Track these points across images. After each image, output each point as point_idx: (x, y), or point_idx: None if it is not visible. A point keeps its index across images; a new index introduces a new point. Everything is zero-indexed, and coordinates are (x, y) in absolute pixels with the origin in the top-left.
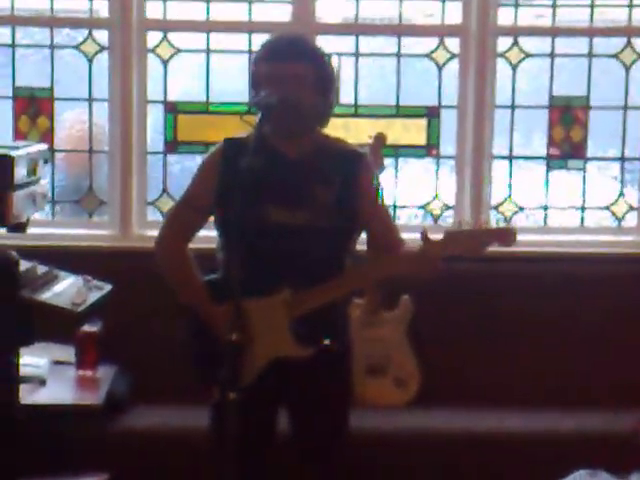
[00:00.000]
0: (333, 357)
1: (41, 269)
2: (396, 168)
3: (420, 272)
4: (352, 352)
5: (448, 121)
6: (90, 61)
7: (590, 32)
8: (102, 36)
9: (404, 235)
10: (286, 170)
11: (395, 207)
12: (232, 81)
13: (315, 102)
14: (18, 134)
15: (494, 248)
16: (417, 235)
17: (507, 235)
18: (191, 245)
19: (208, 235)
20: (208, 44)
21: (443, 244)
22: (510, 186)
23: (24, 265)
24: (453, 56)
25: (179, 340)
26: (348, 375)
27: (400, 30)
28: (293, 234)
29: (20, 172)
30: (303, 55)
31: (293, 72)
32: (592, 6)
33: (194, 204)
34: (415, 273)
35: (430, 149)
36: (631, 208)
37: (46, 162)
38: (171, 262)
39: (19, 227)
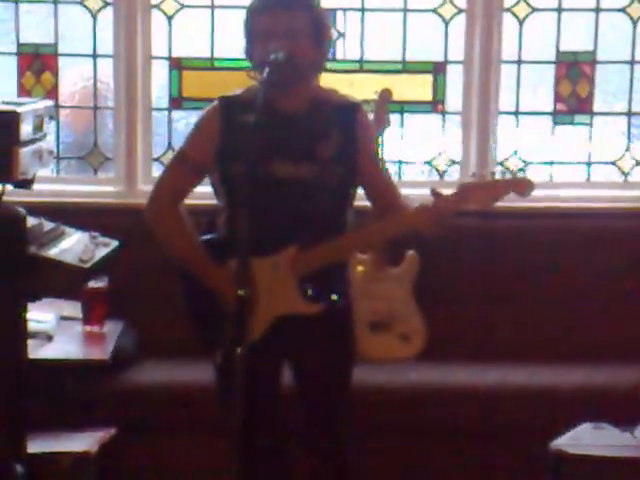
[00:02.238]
0: (338, 312)
1: (48, 225)
2: (402, 124)
3: (434, 228)
4: (352, 306)
5: (454, 76)
6: (94, 17)
7: None
8: None
9: (410, 191)
10: (287, 125)
11: (401, 163)
12: (237, 37)
13: (311, 54)
14: (22, 90)
15: (500, 203)
16: (422, 191)
17: (524, 185)
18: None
19: (200, 191)
20: (212, 0)
21: (458, 197)
22: (516, 141)
23: (31, 221)
24: (460, 11)
25: (176, 301)
26: (350, 328)
27: None
28: (297, 189)
29: (26, 128)
30: (297, 5)
31: (288, 23)
32: None
33: (191, 163)
34: (429, 229)
35: (436, 105)
36: (637, 163)
37: (51, 118)
38: (165, 221)
39: (25, 183)
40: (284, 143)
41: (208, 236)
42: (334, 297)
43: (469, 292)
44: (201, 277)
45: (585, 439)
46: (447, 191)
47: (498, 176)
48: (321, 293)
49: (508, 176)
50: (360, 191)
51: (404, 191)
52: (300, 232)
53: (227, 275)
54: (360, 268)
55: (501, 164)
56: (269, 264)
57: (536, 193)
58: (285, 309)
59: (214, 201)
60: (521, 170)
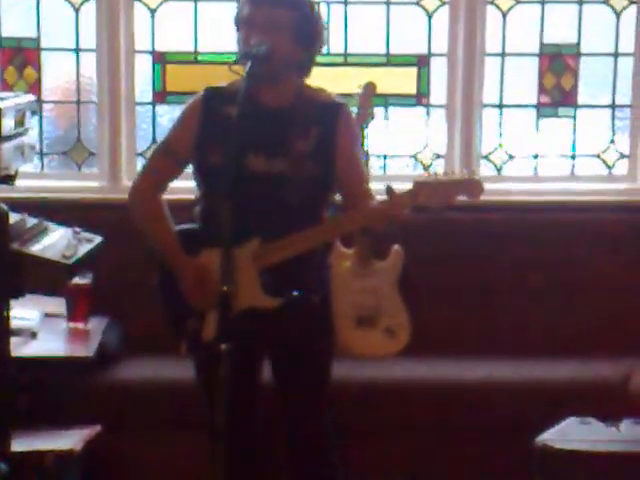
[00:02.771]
0: (308, 308)
1: (30, 221)
2: (386, 117)
3: (387, 225)
4: (330, 303)
5: (438, 69)
6: (77, 10)
7: None
8: None
9: (394, 185)
10: (266, 119)
11: (385, 157)
12: (221, 31)
13: (292, 50)
14: (5, 85)
15: (485, 197)
16: (407, 185)
17: (473, 187)
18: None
19: (181, 186)
20: None
21: (411, 194)
22: (501, 134)
23: (13, 217)
24: (443, 3)
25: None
26: (327, 326)
27: None
28: (269, 183)
29: (8, 123)
30: (286, 1)
31: (271, 17)
32: None
33: (173, 152)
34: (381, 226)
35: (420, 98)
36: (622, 156)
37: (34, 113)
38: (145, 211)
39: (8, 179)
40: (261, 137)
41: (183, 226)
42: (295, 293)
43: (453, 287)
44: (170, 265)
45: (571, 434)
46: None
47: (449, 175)
48: (282, 288)
49: (460, 175)
50: None
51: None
52: (267, 225)
53: (195, 266)
54: (346, 263)
55: (486, 157)
56: (235, 256)
57: (520, 186)
58: (247, 302)
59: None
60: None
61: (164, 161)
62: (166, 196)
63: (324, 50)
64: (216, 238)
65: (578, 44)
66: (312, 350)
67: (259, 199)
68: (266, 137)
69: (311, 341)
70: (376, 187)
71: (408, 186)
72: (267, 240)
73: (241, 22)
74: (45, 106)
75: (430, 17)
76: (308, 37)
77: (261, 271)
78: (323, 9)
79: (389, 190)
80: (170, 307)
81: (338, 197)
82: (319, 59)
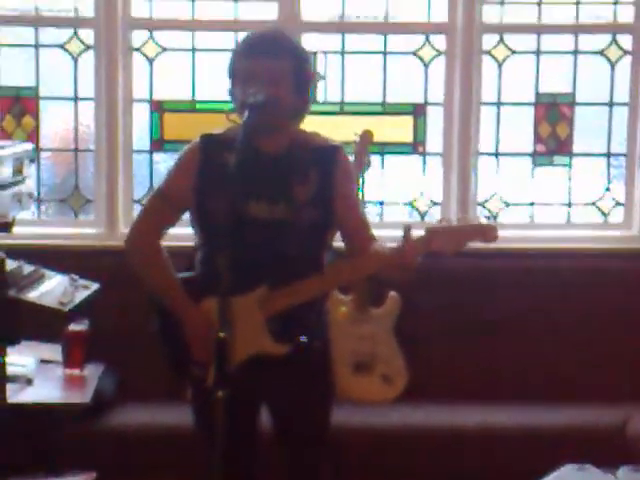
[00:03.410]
0: (311, 354)
1: (27, 268)
2: (383, 165)
3: (397, 272)
4: (330, 349)
5: (434, 118)
6: (75, 60)
7: (575, 29)
8: (87, 35)
9: (390, 232)
10: (265, 166)
11: (382, 204)
12: (218, 79)
13: (293, 99)
14: (3, 133)
15: (481, 245)
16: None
17: (488, 232)
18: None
19: (180, 233)
20: (194, 43)
21: (424, 241)
22: (496, 182)
23: (10, 264)
24: (439, 53)
25: (152, 336)
26: (328, 372)
27: (386, 28)
28: (271, 230)
29: (6, 172)
30: (282, 52)
31: (271, 68)
32: (577, 3)
33: (170, 200)
34: (393, 273)
35: (416, 146)
36: (617, 204)
37: (32, 161)
38: (144, 259)
39: (5, 227)
40: (261, 183)
41: (185, 274)
42: (302, 339)
43: (449, 333)
44: (175, 313)
45: None
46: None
47: (463, 221)
48: (290, 334)
49: (474, 221)
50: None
51: (385, 232)
52: (272, 272)
53: (200, 314)
54: (342, 309)
55: (482, 205)
56: (239, 304)
57: (516, 233)
58: (254, 348)
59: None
60: (494, 217)
61: (161, 208)
62: (164, 243)
63: (319, 97)
64: (218, 286)
65: (573, 94)
66: (314, 396)
67: (262, 246)
68: (267, 184)
69: (313, 387)
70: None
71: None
72: (273, 287)
73: (237, 75)
74: (43, 154)
75: (426, 66)
76: (306, 85)
77: (268, 318)
78: (320, 58)
79: (407, 232)
80: (173, 352)
81: (340, 241)
82: (317, 108)
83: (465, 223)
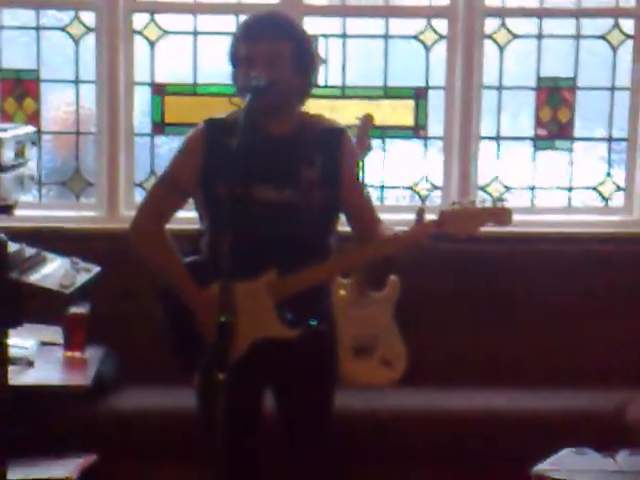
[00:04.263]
0: (319, 337)
1: (29, 251)
2: (384, 149)
3: (409, 255)
4: (335, 329)
5: (436, 102)
6: (77, 43)
7: (577, 13)
8: (89, 18)
9: (391, 216)
10: (271, 149)
11: (382, 188)
12: (219, 63)
13: (294, 80)
14: (4, 116)
15: (482, 229)
16: (404, 216)
17: (503, 215)
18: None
19: (186, 216)
20: (195, 26)
21: (437, 224)
22: (497, 167)
23: (12, 247)
24: (441, 37)
25: (158, 325)
26: (334, 353)
27: (387, 11)
28: (279, 213)
29: (7, 154)
30: (282, 33)
31: (271, 50)
32: None
33: (175, 185)
34: (404, 256)
35: (418, 130)
36: (618, 188)
37: (33, 144)
38: (150, 244)
39: (7, 209)
40: (268, 167)
41: (191, 258)
42: (312, 322)
43: (450, 317)
44: (183, 299)
45: (567, 464)
46: (430, 216)
47: (478, 204)
48: (300, 317)
49: (488, 204)
50: (342, 216)
51: (386, 216)
52: (281, 256)
53: (208, 298)
54: (342, 292)
55: (482, 189)
56: (249, 288)
57: (517, 218)
58: (263, 333)
59: (198, 226)
60: (500, 199)
61: (167, 194)
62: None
63: (320, 81)
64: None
65: (575, 78)
66: (321, 377)
67: (270, 229)
68: (273, 166)
69: (320, 370)
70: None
71: (406, 217)
72: (282, 271)
73: (238, 59)
74: (44, 136)
75: (428, 50)
76: (307, 65)
77: (278, 302)
78: (321, 42)
79: (420, 215)
80: (179, 339)
81: (344, 226)
82: (318, 91)
83: (478, 206)
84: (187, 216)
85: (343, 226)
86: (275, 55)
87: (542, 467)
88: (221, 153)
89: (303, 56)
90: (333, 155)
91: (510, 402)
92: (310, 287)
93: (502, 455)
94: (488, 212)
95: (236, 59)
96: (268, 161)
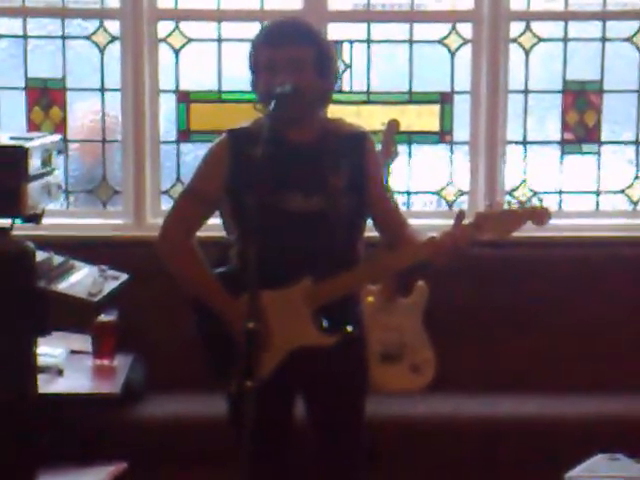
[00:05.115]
0: (352, 343)
1: (57, 259)
2: (409, 154)
3: (448, 259)
4: (366, 335)
5: (461, 107)
6: (102, 51)
7: (603, 15)
8: (114, 26)
9: (418, 222)
10: (296, 156)
11: (409, 193)
12: (244, 70)
13: (317, 85)
14: (31, 125)
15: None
16: (431, 221)
17: (540, 215)
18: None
19: (210, 223)
20: (219, 33)
21: (474, 228)
22: (524, 171)
23: (40, 256)
24: (465, 42)
25: (191, 336)
26: (365, 359)
27: (412, 16)
28: (308, 221)
29: (34, 163)
30: (302, 38)
31: (293, 56)
32: None
33: (201, 197)
34: (442, 260)
35: (444, 135)
36: None
37: (60, 153)
38: (179, 256)
39: (34, 218)
40: (295, 175)
41: (221, 269)
42: (349, 328)
43: (478, 322)
44: (216, 309)
45: (599, 470)
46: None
47: (512, 205)
48: (336, 324)
49: (517, 206)
50: (369, 222)
51: (412, 221)
52: (313, 264)
53: (241, 308)
54: (370, 299)
55: (510, 194)
56: (283, 297)
57: None
58: (300, 342)
59: (224, 233)
60: (528, 201)
61: (192, 206)
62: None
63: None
64: (260, 279)
65: (601, 81)
66: (353, 383)
67: (300, 237)
68: (299, 174)
69: (352, 376)
70: None
71: (432, 222)
72: (315, 279)
73: (260, 66)
74: (70, 144)
75: (453, 55)
76: (329, 69)
77: (314, 310)
78: (346, 48)
79: (459, 218)
80: (213, 349)
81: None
82: (343, 97)
83: (516, 207)
84: (215, 223)
85: (370, 232)
86: (298, 61)
87: (574, 473)
88: (246, 163)
89: (325, 61)
90: (358, 160)
91: (541, 408)
92: (346, 294)
93: (533, 461)
94: (525, 212)
95: (257, 65)
96: (293, 169)
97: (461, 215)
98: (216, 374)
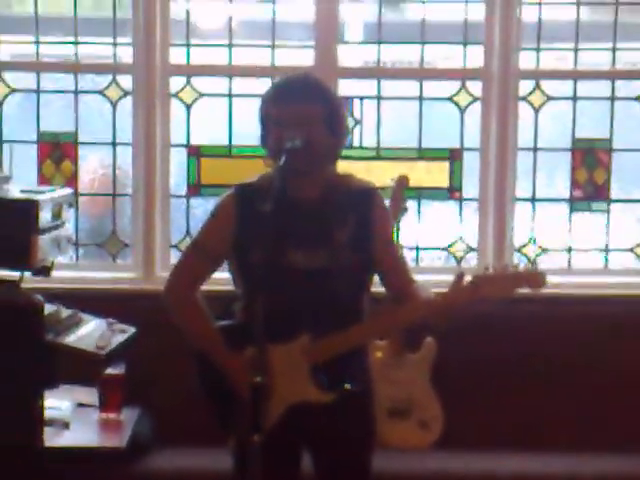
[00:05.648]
0: (355, 398)
1: (65, 312)
2: (419, 210)
3: (444, 319)
4: (373, 390)
5: (471, 163)
6: (114, 106)
7: (612, 75)
8: (126, 81)
9: (427, 277)
10: (303, 212)
11: (418, 249)
12: (254, 125)
13: (327, 141)
14: (42, 178)
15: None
16: (440, 277)
17: (537, 279)
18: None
19: (215, 277)
20: (230, 88)
21: (472, 289)
22: (533, 228)
23: (48, 308)
24: (475, 99)
25: (194, 387)
26: (371, 414)
27: (422, 73)
28: (311, 277)
29: (45, 216)
30: (311, 96)
31: (303, 114)
32: (614, 49)
33: (207, 252)
34: (439, 320)
35: (453, 191)
36: None
37: (70, 206)
38: (183, 310)
39: (44, 271)
40: (298, 231)
41: (226, 322)
42: (347, 386)
43: (487, 379)
44: (217, 364)
45: None
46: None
47: (511, 268)
48: (335, 381)
49: (522, 268)
50: (375, 277)
51: (421, 277)
52: (314, 319)
53: (243, 363)
54: (378, 354)
55: (518, 250)
56: (283, 352)
57: (554, 279)
58: (298, 397)
59: (230, 287)
60: (534, 263)
61: (197, 260)
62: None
63: (355, 142)
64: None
65: (610, 139)
66: (358, 439)
67: (303, 294)
68: (305, 230)
69: (356, 432)
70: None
71: (441, 278)
72: (316, 334)
73: (270, 121)
74: (81, 198)
75: (462, 112)
76: (338, 126)
77: (312, 367)
78: (356, 104)
79: (458, 279)
80: (216, 401)
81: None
82: (353, 153)
83: (511, 271)
84: (220, 277)
85: (377, 287)
86: (307, 118)
87: None
88: (254, 219)
89: (335, 118)
90: (365, 216)
91: (550, 466)
92: (345, 351)
93: None
94: (522, 276)
95: (267, 120)
96: (299, 225)
97: (460, 276)
98: (220, 426)
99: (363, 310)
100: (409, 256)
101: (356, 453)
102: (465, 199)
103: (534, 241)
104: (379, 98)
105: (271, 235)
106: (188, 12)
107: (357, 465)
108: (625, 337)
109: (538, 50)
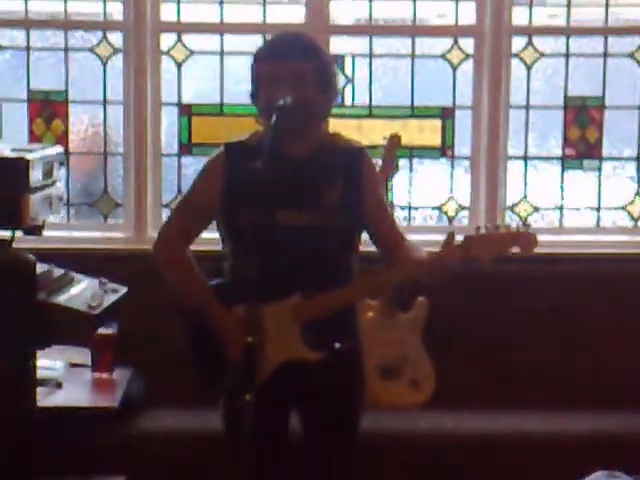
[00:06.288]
0: (344, 357)
1: (57, 272)
2: (411, 169)
3: (434, 277)
4: (361, 349)
5: (463, 122)
6: (104, 64)
7: (605, 31)
8: (116, 38)
9: (419, 237)
10: (292, 171)
11: (410, 208)
12: (246, 83)
13: (318, 99)
14: (33, 137)
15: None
16: (431, 236)
17: (528, 240)
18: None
19: (205, 237)
20: (222, 46)
21: (463, 248)
22: (525, 187)
23: (40, 268)
24: (467, 56)
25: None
26: (359, 372)
27: (414, 31)
28: (302, 236)
29: (36, 175)
30: (303, 53)
31: (295, 71)
32: (606, 5)
33: (196, 210)
34: (429, 279)
35: (445, 150)
36: None
37: (61, 165)
38: (174, 268)
39: (35, 230)
40: (289, 190)
41: (216, 281)
42: (337, 345)
43: (479, 338)
44: (211, 320)
45: None
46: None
47: (503, 228)
48: (324, 340)
49: (513, 228)
50: (365, 236)
51: (413, 236)
52: (305, 279)
53: (235, 319)
54: (370, 314)
55: (510, 209)
56: (273, 311)
57: (546, 239)
58: (287, 355)
59: (219, 247)
60: (526, 224)
61: (188, 216)
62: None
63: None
64: (248, 293)
65: (603, 97)
66: (344, 399)
67: (293, 253)
68: (294, 190)
69: (343, 390)
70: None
71: (433, 238)
72: (306, 294)
73: (261, 79)
74: (71, 157)
75: (455, 70)
76: (330, 84)
77: (303, 325)
78: (348, 62)
79: (449, 239)
80: (205, 361)
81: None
82: (345, 111)
83: (504, 231)
84: (209, 237)
85: (367, 246)
86: (300, 75)
87: None
88: (243, 178)
89: (326, 76)
90: (354, 177)
91: (541, 424)
92: (335, 310)
93: (534, 478)
94: (513, 237)
95: (258, 78)
96: (289, 185)
97: (451, 236)
98: (202, 382)
99: (353, 269)
100: (401, 215)
101: (344, 410)
102: (457, 157)
103: (526, 200)
104: (371, 56)
105: (260, 194)
106: None
107: (345, 422)
108: (617, 295)
109: (530, 6)
